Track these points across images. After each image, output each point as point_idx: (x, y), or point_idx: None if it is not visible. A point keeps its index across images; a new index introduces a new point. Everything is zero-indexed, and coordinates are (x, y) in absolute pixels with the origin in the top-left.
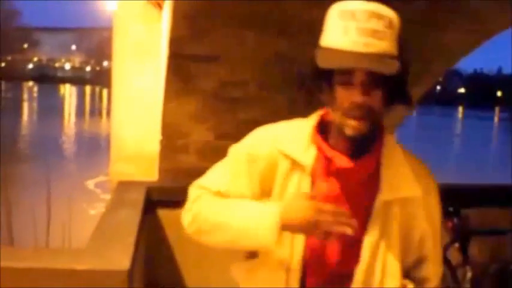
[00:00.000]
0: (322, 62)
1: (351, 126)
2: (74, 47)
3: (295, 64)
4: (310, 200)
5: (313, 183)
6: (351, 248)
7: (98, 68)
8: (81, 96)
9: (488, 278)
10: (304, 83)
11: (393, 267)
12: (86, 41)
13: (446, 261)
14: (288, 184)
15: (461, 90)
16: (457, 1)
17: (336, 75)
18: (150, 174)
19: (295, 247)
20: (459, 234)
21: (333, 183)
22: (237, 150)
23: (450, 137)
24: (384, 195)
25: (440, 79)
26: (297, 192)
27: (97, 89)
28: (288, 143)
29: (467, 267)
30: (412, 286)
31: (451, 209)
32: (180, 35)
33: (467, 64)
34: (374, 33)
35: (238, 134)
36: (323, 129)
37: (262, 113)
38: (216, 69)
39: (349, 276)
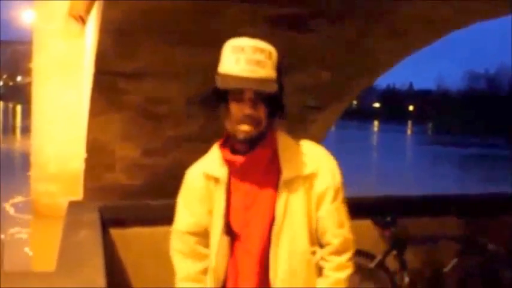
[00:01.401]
0: (222, 84)
1: (242, 130)
2: None
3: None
4: None
5: (229, 190)
6: (267, 225)
7: (11, 83)
8: None
9: (424, 281)
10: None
11: (300, 233)
12: None
13: (384, 268)
14: (215, 197)
15: (376, 105)
16: (379, 21)
17: (231, 94)
18: (74, 193)
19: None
20: (396, 242)
21: (245, 181)
22: (182, 190)
23: (367, 149)
24: (284, 176)
25: None
26: (219, 203)
27: (10, 105)
28: (208, 166)
29: (405, 273)
30: (319, 252)
31: (388, 218)
32: (106, 51)
33: (381, 80)
34: (258, 63)
35: (165, 151)
36: (229, 143)
37: (189, 129)
38: (142, 85)
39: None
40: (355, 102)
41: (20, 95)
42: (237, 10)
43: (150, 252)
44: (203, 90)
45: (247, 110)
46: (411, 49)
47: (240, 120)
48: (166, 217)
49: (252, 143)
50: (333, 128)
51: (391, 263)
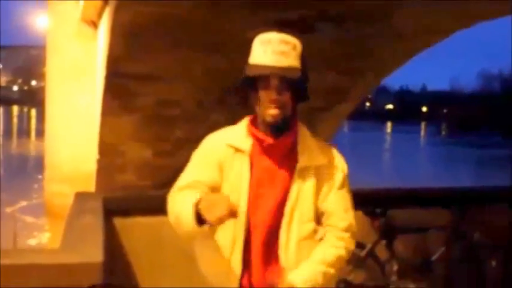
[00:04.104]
0: (250, 72)
1: (270, 114)
2: None
3: (231, 81)
4: (225, 200)
5: (251, 162)
6: (279, 207)
7: (25, 88)
8: (7, 117)
9: (412, 269)
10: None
11: (308, 215)
12: (13, 59)
13: (374, 257)
14: (233, 166)
15: (389, 106)
16: (383, 22)
17: (259, 82)
18: None
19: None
20: (386, 232)
21: (265, 159)
22: (197, 151)
23: (380, 151)
24: (300, 163)
25: (369, 96)
26: (239, 172)
27: (25, 109)
28: (231, 137)
29: (394, 262)
30: (322, 230)
31: (378, 210)
32: (117, 54)
33: (394, 81)
34: (283, 53)
35: (176, 152)
36: (256, 126)
37: (199, 130)
38: (153, 88)
39: (277, 230)
40: (368, 104)
41: (35, 98)
42: (245, 14)
43: (149, 239)
44: (213, 92)
45: (274, 96)
46: (415, 50)
47: (268, 105)
48: (166, 207)
49: (277, 130)
50: (346, 130)
51: (381, 252)
